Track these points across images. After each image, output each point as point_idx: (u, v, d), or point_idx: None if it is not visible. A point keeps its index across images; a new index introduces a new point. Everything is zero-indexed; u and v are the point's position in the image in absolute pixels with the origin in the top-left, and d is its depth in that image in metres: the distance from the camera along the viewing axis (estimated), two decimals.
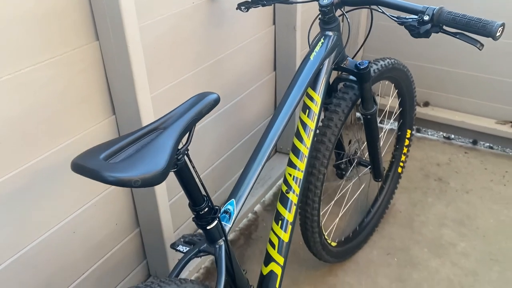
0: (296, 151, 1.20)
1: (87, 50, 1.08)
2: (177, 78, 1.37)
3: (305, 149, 1.19)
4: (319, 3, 1.17)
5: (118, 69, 1.10)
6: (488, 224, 1.92)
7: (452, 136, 2.51)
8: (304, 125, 1.20)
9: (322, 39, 1.21)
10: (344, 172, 1.59)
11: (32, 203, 1.04)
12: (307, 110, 1.20)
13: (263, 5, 1.30)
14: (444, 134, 2.52)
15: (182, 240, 1.11)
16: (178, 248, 1.08)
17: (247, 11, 1.33)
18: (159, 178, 0.67)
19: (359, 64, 1.27)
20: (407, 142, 1.90)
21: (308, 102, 1.20)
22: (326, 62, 1.21)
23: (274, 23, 1.80)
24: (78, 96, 1.09)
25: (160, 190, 1.29)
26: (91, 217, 1.21)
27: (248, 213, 1.85)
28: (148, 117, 1.16)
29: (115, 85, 1.14)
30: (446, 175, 2.22)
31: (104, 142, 0.73)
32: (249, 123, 1.85)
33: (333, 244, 1.63)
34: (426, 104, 2.46)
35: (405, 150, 1.92)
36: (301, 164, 1.19)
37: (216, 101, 0.82)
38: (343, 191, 1.74)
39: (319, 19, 1.22)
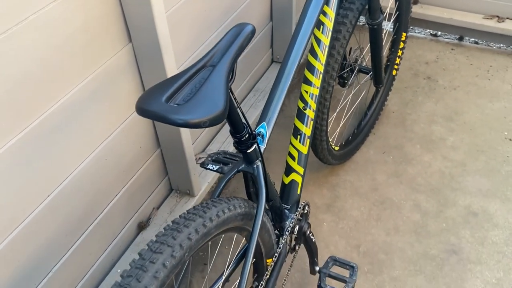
0: (311, 68, 1.25)
1: None
2: None
3: (320, 65, 1.25)
4: None
5: None
6: (474, 118, 2.07)
7: (439, 33, 2.57)
8: (318, 41, 1.24)
9: None
10: (346, 81, 1.66)
11: (68, 136, 1.09)
12: (321, 26, 1.23)
13: None
14: (431, 31, 2.58)
15: (210, 159, 1.20)
16: (208, 167, 1.17)
17: None
18: (222, 117, 0.73)
19: None
20: (402, 45, 1.96)
21: (322, 17, 1.23)
22: None
23: None
24: (96, 28, 1.08)
25: None
26: (119, 144, 1.27)
27: (252, 123, 1.94)
28: (165, 38, 1.16)
29: (130, 8, 1.13)
30: (434, 73, 2.32)
31: (159, 83, 0.77)
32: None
33: (336, 148, 1.76)
34: (415, 1, 2.47)
35: (399, 53, 1.98)
36: (317, 80, 1.25)
37: (253, 32, 0.85)
38: (345, 98, 1.83)
39: None
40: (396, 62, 2.00)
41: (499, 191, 1.78)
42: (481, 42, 2.49)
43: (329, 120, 1.60)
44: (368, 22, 1.45)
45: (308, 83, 1.25)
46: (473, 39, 2.50)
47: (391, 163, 1.91)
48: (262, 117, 1.09)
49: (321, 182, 1.85)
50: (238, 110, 0.89)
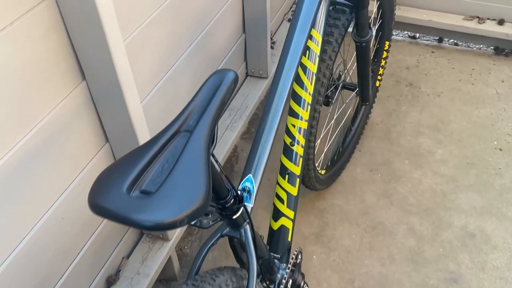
0: (297, 99, 1.09)
1: (42, 11, 0.85)
2: (146, 16, 1.16)
3: (307, 96, 1.08)
4: None
5: (82, 23, 0.89)
6: (461, 127, 1.96)
7: (418, 35, 2.45)
8: (304, 69, 1.08)
9: None
10: (330, 100, 1.50)
11: (14, 199, 0.89)
12: (307, 51, 1.06)
13: None
14: (410, 34, 2.45)
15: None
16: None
17: None
18: (204, 206, 0.55)
19: None
20: (385, 54, 1.82)
21: (308, 42, 1.06)
22: None
23: None
24: (42, 68, 0.88)
25: None
26: (78, 197, 1.08)
27: (229, 148, 1.76)
28: (124, 72, 0.97)
29: (80, 41, 0.93)
30: (416, 79, 2.20)
31: (120, 159, 0.59)
32: (221, 49, 1.67)
33: (322, 172, 1.61)
34: None
35: (383, 62, 1.84)
36: (305, 113, 1.09)
37: (236, 81, 0.68)
38: (330, 118, 1.68)
39: None
40: (380, 72, 1.87)
41: (494, 207, 1.67)
42: (461, 44, 2.39)
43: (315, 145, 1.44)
44: (355, 39, 1.29)
45: (295, 115, 1.09)
46: (453, 40, 2.39)
47: (379, 182, 1.78)
48: (247, 168, 0.92)
49: (308, 208, 1.70)
50: (221, 172, 0.72)
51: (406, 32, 2.46)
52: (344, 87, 1.59)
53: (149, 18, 1.17)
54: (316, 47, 1.06)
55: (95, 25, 0.89)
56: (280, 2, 2.16)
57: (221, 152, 1.64)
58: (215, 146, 0.65)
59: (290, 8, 2.31)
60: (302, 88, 1.08)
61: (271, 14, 2.00)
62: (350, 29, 1.34)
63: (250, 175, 0.91)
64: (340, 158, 1.75)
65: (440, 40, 2.40)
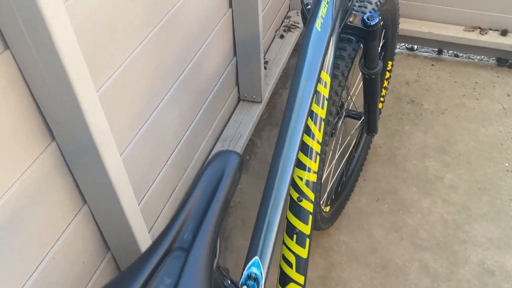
0: (305, 149, 0.93)
1: None
2: (126, 56, 0.99)
3: (316, 145, 0.93)
4: None
5: (45, 77, 0.73)
6: (469, 147, 1.83)
7: (416, 47, 2.32)
8: (311, 114, 0.92)
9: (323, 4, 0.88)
10: (333, 130, 1.36)
11: None
12: (315, 96, 0.91)
13: None
14: (407, 45, 2.32)
15: None
16: None
17: None
18: None
19: (367, 18, 0.97)
20: (387, 74, 1.68)
21: (318, 86, 0.91)
22: (336, 26, 0.89)
23: None
24: (2, 134, 0.72)
25: (130, 209, 0.99)
26: (53, 272, 0.91)
27: None
28: (98, 127, 0.81)
29: (45, 98, 0.77)
30: (418, 95, 2.06)
31: None
32: (211, 78, 1.51)
33: (327, 209, 1.46)
34: None
35: (385, 83, 1.70)
36: (314, 164, 0.93)
37: (240, 167, 0.53)
38: (334, 150, 1.53)
39: None
40: (382, 93, 1.72)
41: (511, 239, 1.54)
42: (461, 55, 2.26)
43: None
44: (363, 71, 1.14)
45: (303, 167, 0.94)
46: (453, 51, 2.26)
47: (387, 213, 1.64)
48: (252, 248, 0.75)
49: (312, 247, 1.55)
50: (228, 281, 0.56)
51: (403, 44, 2.33)
52: (348, 116, 1.44)
53: (129, 57, 1.00)
54: (324, 90, 0.91)
55: (60, 78, 0.73)
56: (271, 18, 2.00)
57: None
58: (218, 259, 0.50)
59: (282, 23, 2.16)
60: (310, 136, 0.92)
61: (264, 28, 1.85)
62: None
63: (257, 257, 0.75)
64: (344, 189, 1.60)
65: (440, 52, 2.27)
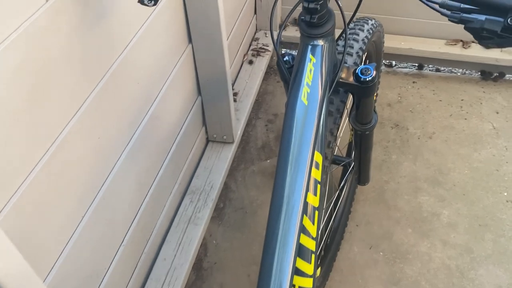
0: (301, 252, 0.71)
1: None
2: (54, 137, 0.75)
3: (312, 243, 0.71)
4: None
5: None
6: (463, 176, 1.66)
7: (394, 63, 2.14)
8: (305, 209, 0.70)
9: (310, 55, 0.66)
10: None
11: None
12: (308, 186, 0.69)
13: None
14: (386, 62, 2.14)
15: None
16: None
17: (155, 4, 0.70)
18: None
19: (361, 73, 0.75)
20: None
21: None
22: (327, 92, 0.68)
23: None
24: None
25: None
26: None
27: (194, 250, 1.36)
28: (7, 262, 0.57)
29: None
30: (402, 118, 1.88)
31: None
32: (173, 126, 1.27)
33: (318, 272, 1.25)
34: None
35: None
36: (309, 267, 0.71)
37: None
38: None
39: (303, 21, 0.65)
40: None
41: None
42: (443, 69, 2.10)
43: None
44: (355, 127, 0.93)
45: (300, 273, 0.72)
46: (434, 66, 2.09)
47: (383, 263, 1.44)
48: None
49: None
50: None
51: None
52: (334, 163, 1.23)
53: (58, 138, 0.76)
54: (317, 172, 0.69)
55: None
56: (237, 43, 1.78)
57: (184, 261, 1.24)
58: None
59: (249, 47, 1.94)
60: (305, 234, 0.71)
61: (230, 57, 1.62)
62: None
63: None
64: (334, 239, 1.40)
65: (421, 67, 2.09)
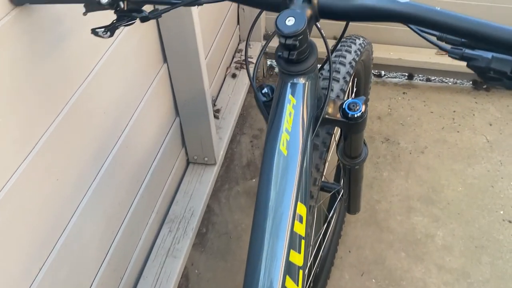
0: None
1: None
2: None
3: None
4: (279, 31, 0.51)
5: None
6: (457, 194, 1.58)
7: (383, 73, 2.06)
8: (288, 269, 0.61)
9: (290, 96, 0.57)
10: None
11: None
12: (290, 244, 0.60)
13: (144, 20, 0.60)
14: (375, 72, 2.06)
15: None
16: None
17: (111, 35, 0.61)
18: None
19: (348, 108, 0.67)
20: None
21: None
22: (310, 136, 0.58)
23: None
24: None
25: None
26: None
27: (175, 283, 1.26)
28: None
29: None
30: (392, 132, 1.80)
31: None
32: (148, 151, 1.18)
33: None
34: None
35: None
36: None
37: None
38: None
39: (280, 57, 0.56)
40: None
41: None
42: (434, 79, 2.02)
43: None
44: (343, 161, 0.84)
45: None
46: (424, 76, 2.02)
47: None
48: None
49: None
50: None
51: None
52: (322, 189, 1.14)
53: (6, 186, 0.66)
54: (301, 227, 0.60)
55: None
56: (219, 56, 1.68)
57: None
58: None
59: (233, 59, 1.85)
60: (293, 281, 0.61)
61: (210, 73, 1.53)
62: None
63: None
64: (324, 266, 1.31)
65: (411, 77, 2.02)
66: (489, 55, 0.49)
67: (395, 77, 2.04)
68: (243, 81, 1.76)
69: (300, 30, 0.51)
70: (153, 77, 1.14)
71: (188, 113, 1.32)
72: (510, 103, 1.87)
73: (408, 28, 0.54)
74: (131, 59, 1.01)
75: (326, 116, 0.67)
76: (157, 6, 0.57)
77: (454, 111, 1.86)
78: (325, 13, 0.54)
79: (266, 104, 0.68)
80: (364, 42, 1.01)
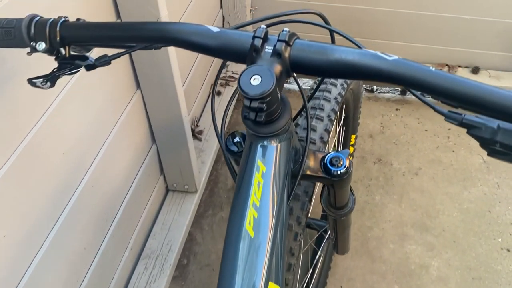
0: None
1: None
2: None
3: None
4: (242, 92, 0.42)
5: None
6: (453, 220, 1.50)
7: (375, 87, 1.98)
8: None
9: (259, 162, 0.48)
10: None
11: None
12: None
13: (90, 68, 0.51)
14: (366, 86, 1.98)
15: None
16: None
17: (52, 85, 0.52)
18: None
19: (330, 163, 0.58)
20: (351, 149, 1.32)
21: None
22: (283, 208, 0.50)
23: (119, 16, 0.96)
24: None
25: None
26: None
27: None
28: None
29: None
30: (385, 152, 1.72)
31: None
32: (121, 184, 1.09)
33: None
34: None
35: (352, 140, 1.34)
36: None
37: None
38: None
39: (246, 118, 0.47)
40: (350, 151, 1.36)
41: None
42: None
43: None
44: (328, 212, 0.76)
45: None
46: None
47: None
48: None
49: None
50: None
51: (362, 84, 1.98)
52: (308, 227, 1.06)
53: None
54: None
55: None
56: (203, 72, 1.60)
57: None
58: None
59: (217, 77, 1.75)
60: None
61: (192, 94, 1.44)
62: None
63: None
64: None
65: (404, 92, 1.94)
66: (494, 123, 0.41)
67: (387, 92, 1.96)
68: (228, 99, 1.67)
69: (267, 92, 0.42)
70: (124, 106, 1.05)
71: (165, 140, 1.23)
72: None
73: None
74: (97, 90, 0.92)
75: (306, 173, 0.58)
76: (105, 51, 0.49)
77: (449, 129, 1.78)
78: (298, 68, 0.45)
79: (238, 156, 0.60)
80: None
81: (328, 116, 0.78)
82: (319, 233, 1.03)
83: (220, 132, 0.58)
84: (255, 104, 0.43)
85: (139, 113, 1.13)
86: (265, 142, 0.49)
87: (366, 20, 1.69)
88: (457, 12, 1.60)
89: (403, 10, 1.64)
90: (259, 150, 0.48)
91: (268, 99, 0.43)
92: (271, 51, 0.45)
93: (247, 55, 0.46)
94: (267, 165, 0.47)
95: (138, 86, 1.10)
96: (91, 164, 0.94)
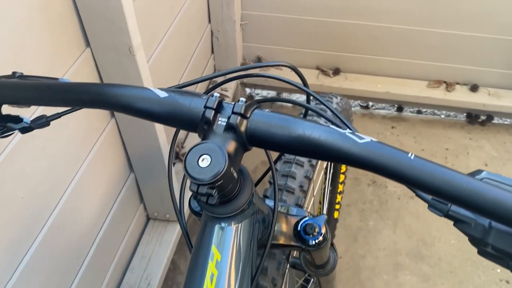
0: None
1: None
2: None
3: None
4: (187, 174, 0.36)
5: None
6: (450, 248, 1.44)
7: (371, 104, 1.92)
8: None
9: (214, 248, 0.41)
10: None
11: None
12: None
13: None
14: (361, 103, 1.92)
15: None
16: None
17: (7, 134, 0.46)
18: None
19: (304, 231, 0.52)
20: (342, 177, 1.25)
21: None
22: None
23: (88, 45, 0.90)
24: None
25: None
26: None
27: None
28: None
29: None
30: None
31: None
32: (94, 218, 1.02)
33: None
34: (336, 71, 1.78)
35: (340, 188, 1.28)
36: None
37: None
38: None
39: (197, 199, 0.41)
40: (337, 200, 1.30)
41: None
42: (425, 111, 1.88)
43: None
44: (308, 271, 0.69)
45: None
46: (415, 108, 1.88)
47: None
48: None
49: None
50: None
51: (357, 101, 1.92)
52: (293, 267, 0.99)
53: None
54: None
55: None
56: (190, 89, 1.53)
57: None
58: None
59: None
60: None
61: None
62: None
63: None
64: None
65: (400, 109, 1.88)
66: (485, 221, 0.34)
67: (383, 109, 1.90)
68: None
69: (218, 176, 0.36)
70: (97, 137, 0.99)
71: (144, 168, 1.16)
72: (507, 140, 1.73)
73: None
74: (63, 125, 0.85)
75: (278, 241, 0.52)
76: (44, 110, 0.42)
77: (447, 149, 1.72)
78: (256, 142, 0.39)
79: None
80: (341, 102, 0.86)
81: (309, 160, 0.71)
82: (304, 277, 0.96)
83: (179, 200, 0.51)
84: (202, 190, 0.36)
85: (114, 143, 1.07)
86: (222, 224, 0.42)
87: (361, 35, 1.63)
88: (456, 29, 1.54)
89: (400, 26, 1.58)
90: (215, 234, 0.42)
91: (218, 183, 0.36)
92: (224, 124, 0.39)
93: (198, 127, 0.40)
94: (223, 253, 0.41)
95: (112, 115, 1.03)
96: (57, 204, 0.87)
